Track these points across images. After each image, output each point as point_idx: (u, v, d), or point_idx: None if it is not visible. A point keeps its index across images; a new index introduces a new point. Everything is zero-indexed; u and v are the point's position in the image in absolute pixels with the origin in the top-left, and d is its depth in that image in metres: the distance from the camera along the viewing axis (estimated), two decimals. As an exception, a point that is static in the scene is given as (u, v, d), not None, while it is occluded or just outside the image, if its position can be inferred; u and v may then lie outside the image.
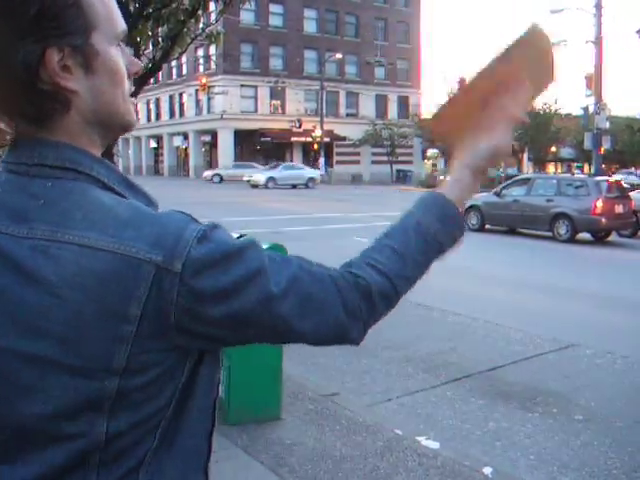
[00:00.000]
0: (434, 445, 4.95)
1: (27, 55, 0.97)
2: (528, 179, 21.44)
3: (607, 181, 19.92)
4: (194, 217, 1.06)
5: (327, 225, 20.30)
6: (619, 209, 18.70)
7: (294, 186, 45.82)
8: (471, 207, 21.03)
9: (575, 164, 60.07)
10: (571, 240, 18.35)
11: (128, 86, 1.10)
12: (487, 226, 20.71)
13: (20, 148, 1.05)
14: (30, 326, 0.97)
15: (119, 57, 1.07)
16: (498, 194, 20.84)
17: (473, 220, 20.87)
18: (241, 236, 4.79)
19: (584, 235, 18.88)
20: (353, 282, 1.13)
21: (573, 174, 29.04)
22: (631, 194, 20.17)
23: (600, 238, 19.16)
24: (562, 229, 18.60)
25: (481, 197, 21.93)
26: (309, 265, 1.11)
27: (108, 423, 1.00)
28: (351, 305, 1.12)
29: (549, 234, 18.90)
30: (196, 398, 1.08)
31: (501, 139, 1.26)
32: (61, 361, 0.97)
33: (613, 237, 19.52)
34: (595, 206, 18.15)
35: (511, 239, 19.23)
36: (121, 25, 1.08)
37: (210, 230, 1.03)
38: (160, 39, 8.35)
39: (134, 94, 7.98)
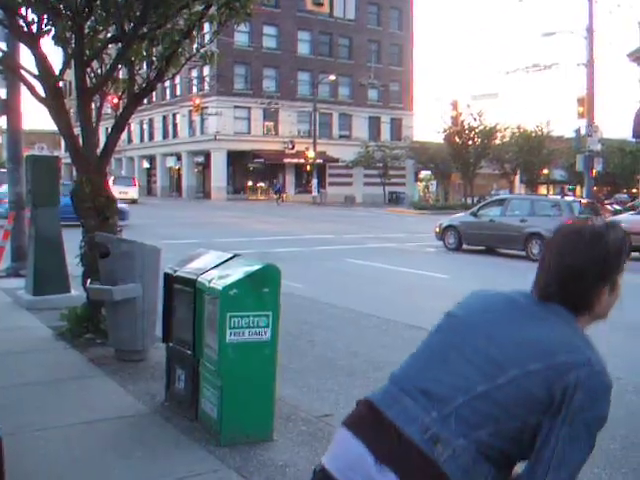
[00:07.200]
0: (427, 467, 4.92)
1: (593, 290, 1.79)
2: (504, 199, 21.79)
3: (580, 202, 20.18)
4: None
5: (318, 246, 20.30)
6: None
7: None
8: (449, 227, 21.27)
9: (567, 186, 60.28)
10: (544, 259, 18.40)
11: None
12: (464, 246, 20.86)
13: None
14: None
15: None
16: (475, 214, 21.04)
17: (450, 239, 21.09)
18: (235, 256, 4.76)
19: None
20: None
21: (565, 195, 29.30)
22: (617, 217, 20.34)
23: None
24: (535, 249, 18.61)
25: (458, 217, 22.11)
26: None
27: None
28: None
29: (523, 253, 19.02)
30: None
31: None
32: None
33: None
34: None
35: (488, 258, 19.35)
36: None
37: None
38: (155, 59, 8.38)
39: (128, 114, 8.01)
